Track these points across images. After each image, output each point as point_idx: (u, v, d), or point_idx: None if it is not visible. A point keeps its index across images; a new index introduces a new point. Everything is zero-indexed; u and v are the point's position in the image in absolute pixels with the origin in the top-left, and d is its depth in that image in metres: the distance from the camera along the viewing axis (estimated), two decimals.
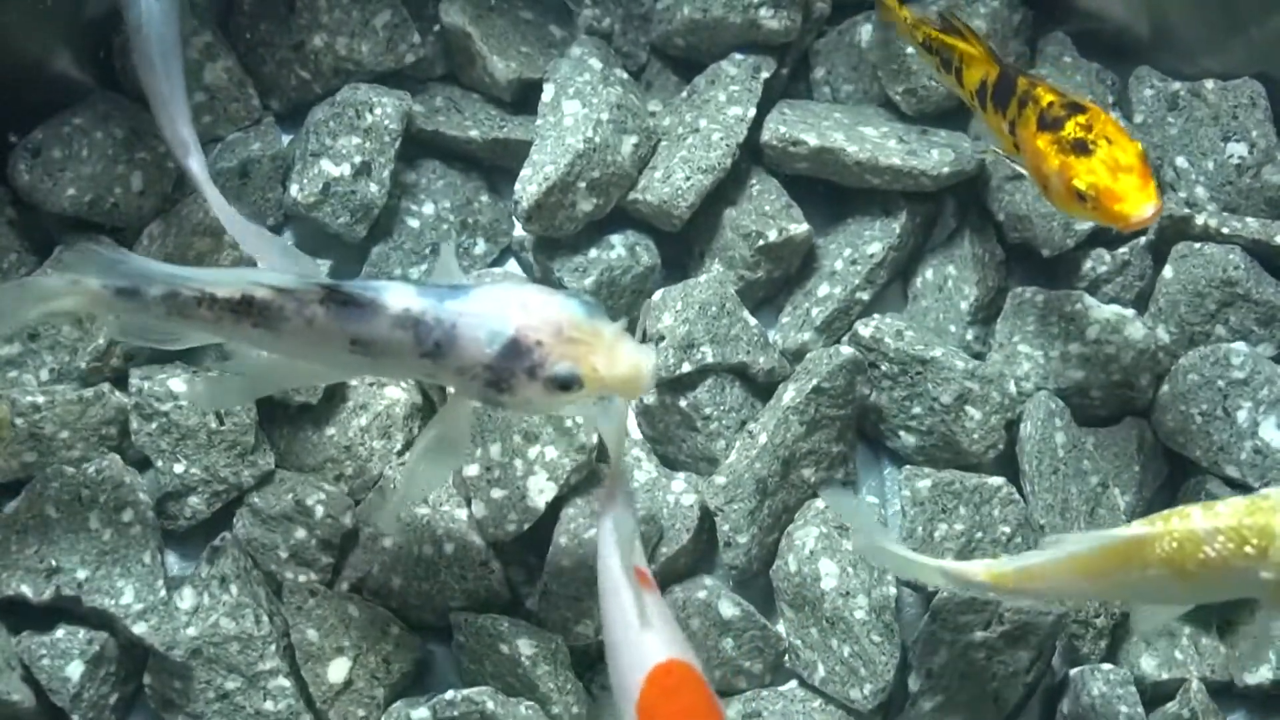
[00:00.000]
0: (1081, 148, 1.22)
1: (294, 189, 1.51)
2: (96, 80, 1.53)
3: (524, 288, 1.13)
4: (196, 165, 1.37)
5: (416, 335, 1.14)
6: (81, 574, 1.35)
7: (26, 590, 1.36)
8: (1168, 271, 1.46)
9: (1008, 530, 1.40)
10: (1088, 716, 1.33)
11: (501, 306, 1.12)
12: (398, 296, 1.14)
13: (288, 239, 1.56)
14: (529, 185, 1.46)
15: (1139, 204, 1.19)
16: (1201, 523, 1.11)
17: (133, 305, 1.19)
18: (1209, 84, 1.51)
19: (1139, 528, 1.13)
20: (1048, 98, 1.27)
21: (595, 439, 1.39)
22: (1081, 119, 1.24)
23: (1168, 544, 1.12)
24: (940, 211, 1.54)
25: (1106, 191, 1.20)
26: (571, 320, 1.11)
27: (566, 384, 1.11)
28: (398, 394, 1.44)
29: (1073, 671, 1.36)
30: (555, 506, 1.39)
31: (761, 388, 1.46)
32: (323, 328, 1.16)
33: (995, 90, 1.33)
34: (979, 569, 1.20)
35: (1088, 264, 1.49)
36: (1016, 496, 1.41)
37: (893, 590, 1.38)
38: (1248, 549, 1.09)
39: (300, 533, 1.40)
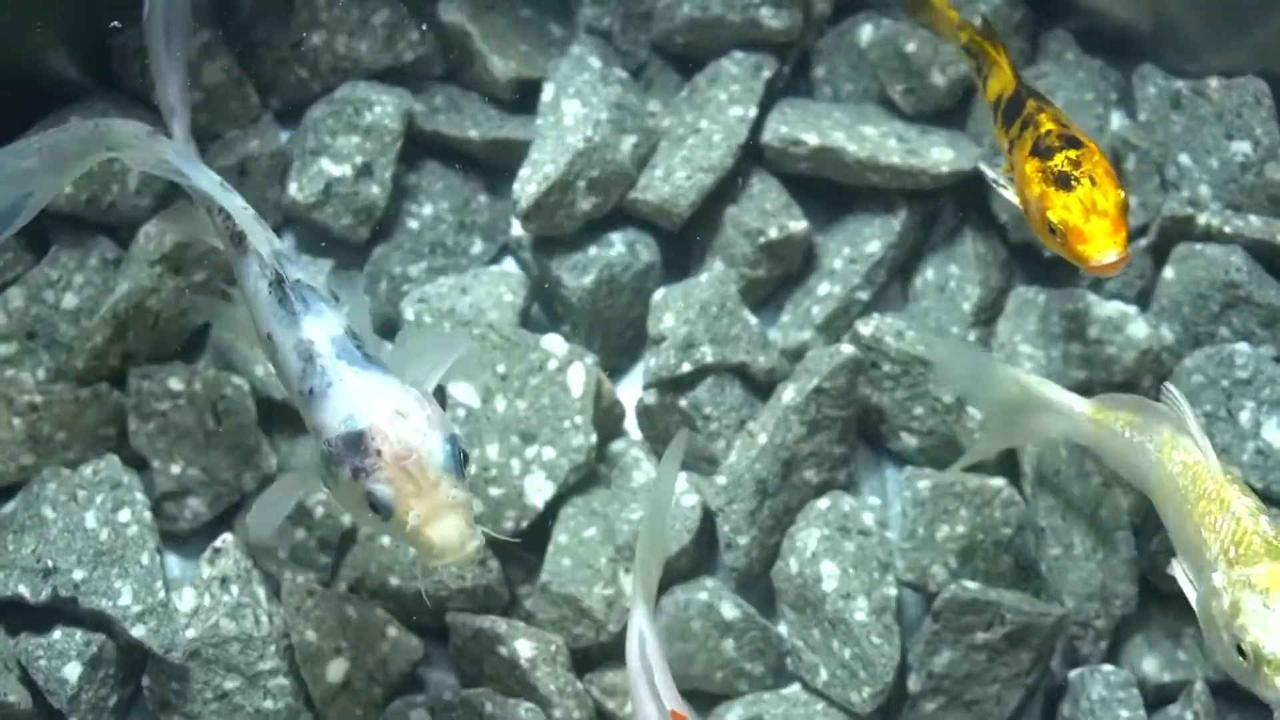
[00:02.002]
0: (1064, 182, 1.21)
1: (293, 188, 1.51)
2: (96, 80, 1.53)
3: (427, 400, 1.11)
4: (179, 130, 1.37)
5: (303, 371, 1.12)
6: (79, 575, 1.35)
7: (24, 590, 1.36)
8: (1168, 273, 1.45)
9: (1009, 531, 1.39)
10: (1088, 719, 1.33)
11: (381, 398, 1.09)
12: (317, 326, 1.13)
13: (288, 241, 1.56)
14: (528, 185, 1.45)
15: (1101, 249, 1.19)
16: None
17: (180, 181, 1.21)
18: (1212, 82, 1.51)
19: None
20: (1048, 125, 1.27)
21: (594, 439, 1.39)
22: (1073, 154, 1.23)
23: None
24: (940, 210, 1.54)
25: (1075, 230, 1.20)
26: (424, 456, 1.07)
27: (376, 507, 1.07)
28: None
29: (1073, 673, 1.36)
30: (554, 505, 1.39)
31: (761, 387, 1.46)
32: (257, 304, 1.18)
33: (1006, 107, 1.33)
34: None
35: None
36: (1018, 498, 1.40)
37: (893, 591, 1.38)
38: None
39: (300, 533, 1.40)
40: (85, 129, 1.25)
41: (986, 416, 1.39)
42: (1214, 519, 1.15)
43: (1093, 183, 1.21)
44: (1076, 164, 1.22)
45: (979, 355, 1.38)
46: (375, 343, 1.24)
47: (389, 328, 1.50)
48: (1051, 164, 1.23)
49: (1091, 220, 1.20)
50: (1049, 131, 1.26)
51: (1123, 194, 1.21)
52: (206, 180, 1.21)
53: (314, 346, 1.13)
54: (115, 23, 1.48)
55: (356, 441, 1.08)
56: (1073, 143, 1.24)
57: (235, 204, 1.20)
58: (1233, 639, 1.09)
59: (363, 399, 1.09)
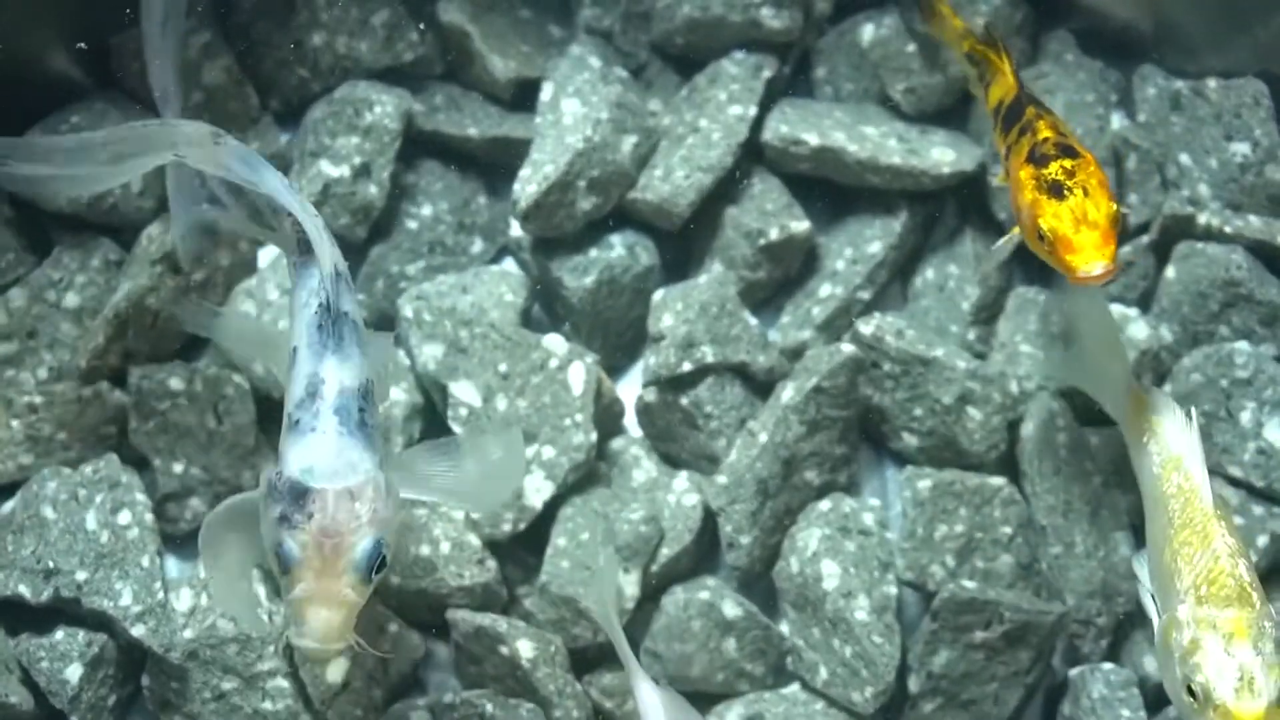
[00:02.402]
0: (1056, 190, 1.21)
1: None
2: (96, 80, 1.53)
3: (387, 495, 1.10)
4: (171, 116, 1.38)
5: (300, 401, 1.13)
6: (80, 575, 1.35)
7: (24, 591, 1.36)
8: (1170, 272, 1.46)
9: (1009, 531, 1.39)
10: (1089, 718, 1.33)
11: (344, 471, 1.09)
12: (336, 369, 1.13)
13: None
14: (528, 185, 1.45)
15: (1088, 260, 1.19)
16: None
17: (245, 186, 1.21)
18: (1212, 83, 1.51)
19: None
20: (1045, 133, 1.27)
21: (594, 437, 1.39)
22: (1068, 163, 1.23)
23: None
24: (941, 211, 1.54)
25: (1063, 239, 1.20)
26: (343, 545, 1.07)
27: (280, 560, 1.08)
28: (398, 394, 1.44)
29: (1073, 672, 1.36)
30: (553, 506, 1.39)
31: (762, 386, 1.46)
32: (299, 317, 1.18)
33: (1007, 113, 1.33)
34: None
35: None
36: (1018, 497, 1.40)
37: (893, 590, 1.38)
38: None
39: None
40: (152, 127, 1.25)
41: (1076, 345, 1.38)
42: (1192, 551, 1.16)
43: (1085, 193, 1.21)
44: (1070, 173, 1.22)
45: (1099, 299, 1.36)
46: (385, 393, 1.25)
47: (385, 325, 1.50)
48: (1045, 172, 1.23)
49: (1081, 231, 1.20)
50: (1046, 139, 1.26)
51: (1115, 206, 1.21)
52: (275, 184, 1.20)
53: (322, 387, 1.12)
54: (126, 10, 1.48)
55: (299, 495, 1.08)
56: (1069, 152, 1.24)
57: (306, 212, 1.19)
58: (1185, 676, 1.10)
59: (327, 462, 1.09)
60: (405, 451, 1.30)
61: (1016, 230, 1.31)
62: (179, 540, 1.43)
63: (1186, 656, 1.11)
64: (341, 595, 1.07)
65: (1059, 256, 1.20)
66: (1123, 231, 1.47)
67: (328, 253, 1.17)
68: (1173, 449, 1.22)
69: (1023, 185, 1.24)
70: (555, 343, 1.41)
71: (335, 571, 1.07)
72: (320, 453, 1.10)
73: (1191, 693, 1.10)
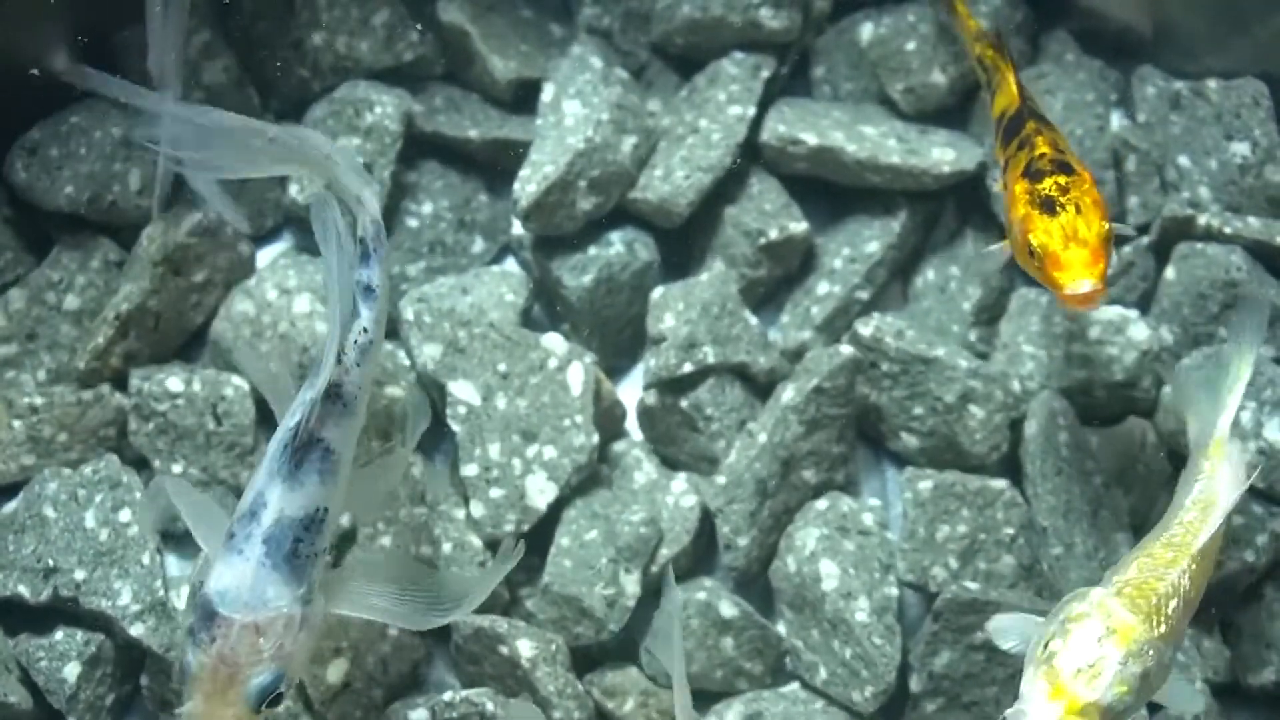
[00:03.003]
0: (1049, 206, 1.20)
1: (293, 189, 1.51)
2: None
3: (301, 630, 1.12)
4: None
5: (243, 512, 1.14)
6: (79, 574, 1.35)
7: (24, 590, 1.36)
8: (1169, 272, 1.46)
9: (1010, 532, 1.39)
10: None
11: (255, 604, 1.10)
12: (281, 495, 1.14)
13: (286, 240, 1.56)
14: (528, 185, 1.45)
15: (1075, 278, 1.17)
16: None
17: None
18: (1211, 83, 1.51)
19: None
20: (1043, 149, 1.26)
21: (595, 438, 1.39)
22: (1062, 180, 1.22)
23: None
24: (941, 211, 1.54)
25: (1052, 256, 1.18)
26: (238, 677, 1.09)
27: (180, 669, 1.11)
28: (398, 393, 1.44)
29: None
30: (556, 507, 1.39)
31: (762, 387, 1.46)
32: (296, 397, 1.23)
33: (1008, 125, 1.32)
34: None
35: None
36: (1020, 499, 1.40)
37: (894, 591, 1.38)
38: None
39: None
40: (322, 147, 1.30)
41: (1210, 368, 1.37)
42: (1152, 562, 1.16)
43: (1078, 210, 1.20)
44: (1065, 190, 1.21)
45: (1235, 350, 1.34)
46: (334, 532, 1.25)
47: (388, 327, 1.50)
48: (1040, 187, 1.22)
49: (1070, 248, 1.18)
50: (1043, 155, 1.25)
51: (1108, 226, 1.20)
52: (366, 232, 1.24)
53: (263, 512, 1.13)
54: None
55: (208, 615, 1.10)
56: (1065, 168, 1.23)
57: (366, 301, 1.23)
58: (1051, 633, 1.10)
59: (241, 592, 1.11)
60: (349, 566, 1.30)
61: (1007, 242, 1.31)
62: (178, 539, 1.43)
63: (1066, 621, 1.10)
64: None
65: (1047, 273, 1.19)
66: (1119, 243, 1.48)
67: (328, 367, 1.18)
68: (1213, 493, 1.22)
69: (1016, 199, 1.23)
70: (554, 342, 1.41)
71: (226, 699, 1.10)
72: (237, 580, 1.11)
73: (1045, 650, 1.09)
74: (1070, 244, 1.18)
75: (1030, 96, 1.34)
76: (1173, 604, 1.14)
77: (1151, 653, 1.10)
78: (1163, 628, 1.12)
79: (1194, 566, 1.17)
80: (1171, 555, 1.17)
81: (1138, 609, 1.12)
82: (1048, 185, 1.22)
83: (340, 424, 1.19)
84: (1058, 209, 1.20)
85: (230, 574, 1.12)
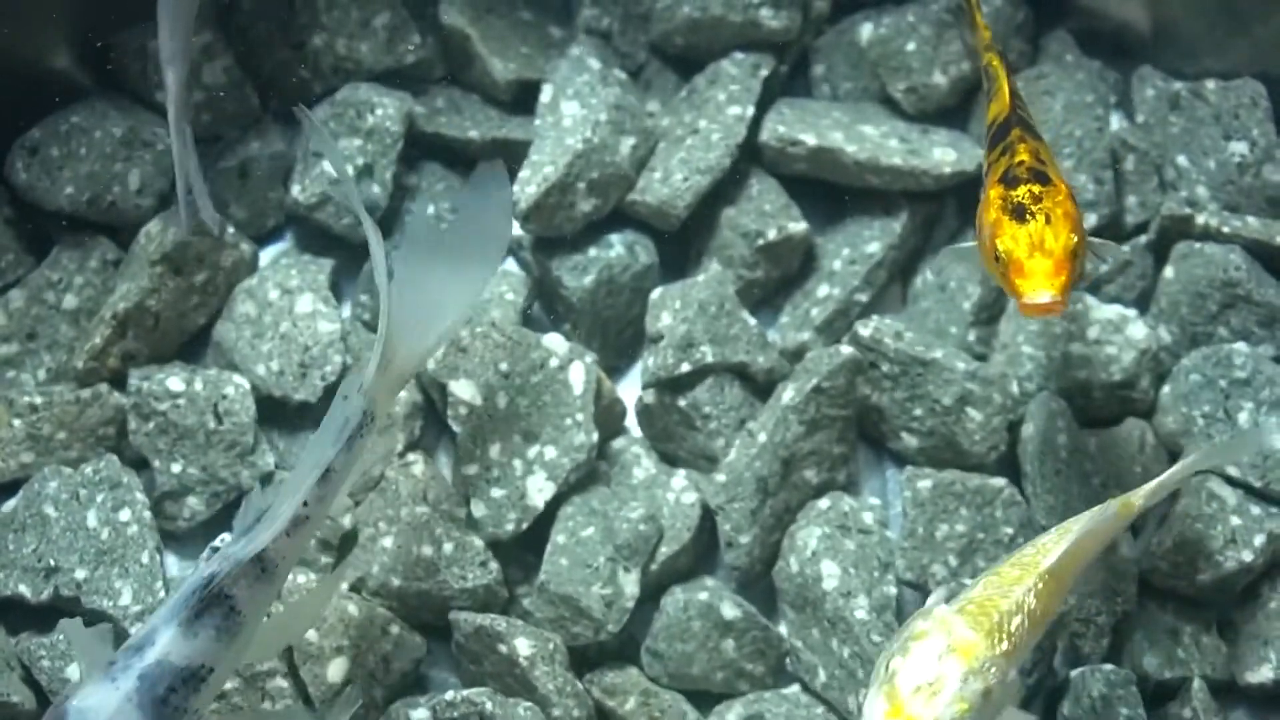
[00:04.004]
0: (1019, 214, 1.20)
1: (295, 189, 1.51)
2: (96, 80, 1.53)
3: None
4: (172, 78, 1.38)
5: (132, 642, 1.12)
6: (80, 574, 1.35)
7: (25, 590, 1.36)
8: (1169, 272, 1.46)
9: (1010, 531, 1.40)
10: (1089, 717, 1.33)
11: None
12: (162, 648, 1.11)
13: (288, 240, 1.56)
14: (528, 186, 1.46)
15: (1036, 287, 1.17)
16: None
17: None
18: (1210, 84, 1.51)
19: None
20: (1023, 156, 1.25)
21: (595, 437, 1.39)
22: (1036, 189, 1.21)
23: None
24: (942, 211, 1.54)
25: (1016, 263, 1.18)
26: None
27: None
28: (401, 394, 1.44)
29: (1074, 672, 1.36)
30: (553, 505, 1.39)
31: (761, 387, 1.46)
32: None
33: (996, 131, 1.32)
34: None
35: (1090, 263, 1.48)
36: (1019, 498, 1.41)
37: (893, 590, 1.38)
38: None
39: None
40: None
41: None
42: (998, 579, 1.17)
43: (1047, 221, 1.19)
44: (1037, 199, 1.20)
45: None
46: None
47: None
48: (1013, 194, 1.21)
49: (1035, 257, 1.18)
50: (1021, 162, 1.25)
51: (1075, 239, 1.19)
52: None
53: (149, 649, 1.11)
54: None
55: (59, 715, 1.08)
56: (1041, 178, 1.23)
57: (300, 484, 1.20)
58: (897, 648, 1.11)
59: (100, 717, 1.08)
60: None
61: (966, 245, 1.31)
62: (178, 538, 1.43)
63: (908, 639, 1.11)
64: None
65: (1009, 279, 1.19)
66: (1114, 237, 1.48)
67: (267, 532, 1.16)
68: (1076, 521, 1.22)
69: (989, 204, 1.23)
70: (555, 342, 1.41)
71: None
72: (99, 705, 1.08)
73: (888, 669, 1.10)
74: (1035, 253, 1.18)
75: (1022, 105, 1.33)
76: (1016, 621, 1.13)
77: (993, 670, 1.09)
78: (1005, 645, 1.12)
79: (1041, 586, 1.16)
80: (1018, 574, 1.17)
81: (979, 626, 1.11)
82: (1021, 193, 1.21)
83: (254, 588, 1.15)
84: (1027, 217, 1.19)
85: (96, 697, 1.08)
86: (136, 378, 1.42)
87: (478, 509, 1.38)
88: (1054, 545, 1.18)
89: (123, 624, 1.33)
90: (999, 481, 1.40)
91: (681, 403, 1.44)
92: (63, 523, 1.36)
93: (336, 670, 1.35)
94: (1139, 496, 1.25)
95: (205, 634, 1.12)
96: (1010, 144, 1.27)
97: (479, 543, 1.38)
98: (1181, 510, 1.40)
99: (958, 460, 1.42)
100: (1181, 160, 1.51)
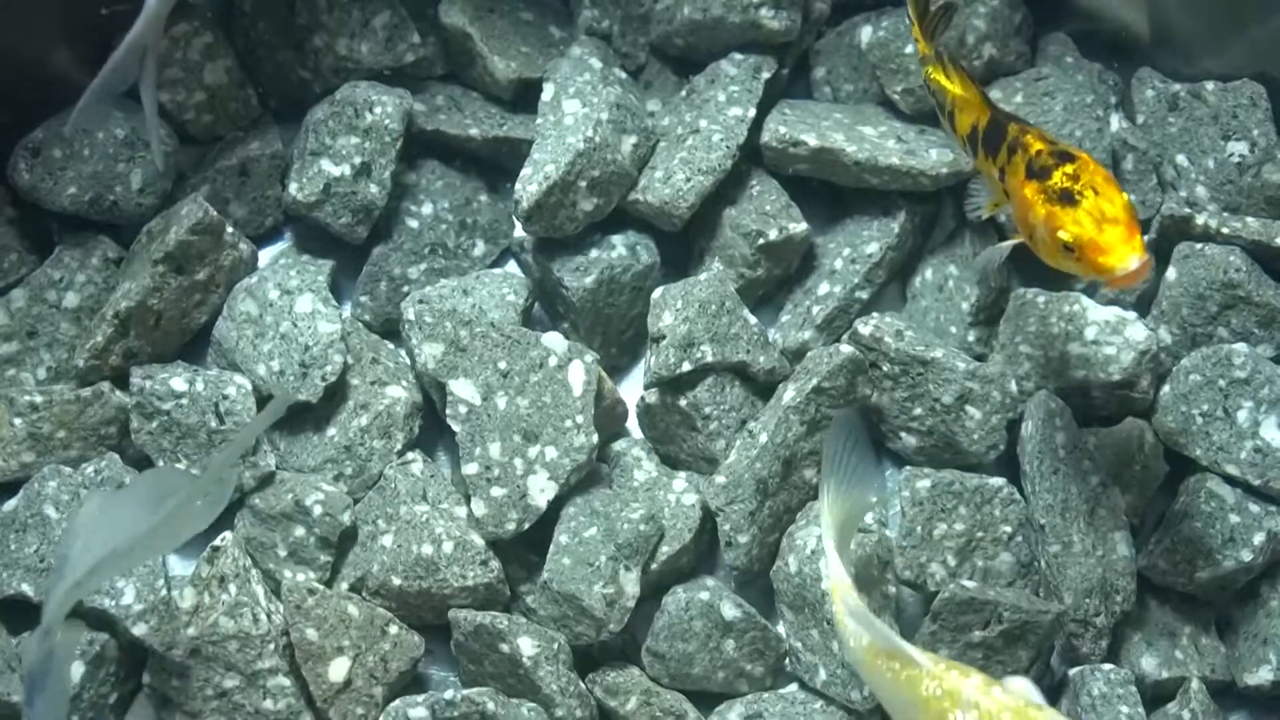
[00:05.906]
0: (1068, 198, 1.18)
1: (293, 188, 1.51)
2: None
3: None
4: (151, 66, 1.38)
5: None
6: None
7: (27, 589, 1.36)
8: (1170, 273, 1.46)
9: (1009, 530, 1.40)
10: (1088, 716, 1.33)
11: None
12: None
13: (287, 239, 1.56)
14: (529, 185, 1.46)
15: (1124, 256, 1.15)
16: (971, 694, 1.07)
17: None
18: (1209, 85, 1.52)
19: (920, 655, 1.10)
20: (1036, 145, 1.23)
21: (595, 438, 1.39)
22: (1069, 168, 1.19)
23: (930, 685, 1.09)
24: (940, 212, 1.54)
25: (1091, 243, 1.16)
26: None
27: None
28: (399, 393, 1.44)
29: (1072, 671, 1.36)
30: (555, 505, 1.39)
31: (762, 387, 1.46)
32: None
33: (986, 136, 1.29)
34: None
35: None
36: (1017, 496, 1.41)
37: (892, 590, 1.38)
38: None
39: (299, 531, 1.40)
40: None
41: None
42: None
43: (1096, 192, 1.17)
44: (1075, 178, 1.19)
45: None
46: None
47: (389, 328, 1.50)
48: (1051, 183, 1.19)
49: (1106, 230, 1.16)
50: (1040, 151, 1.22)
51: (1126, 195, 1.17)
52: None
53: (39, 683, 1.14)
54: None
55: None
56: (1066, 157, 1.21)
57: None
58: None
59: None
60: None
61: (1006, 244, 1.30)
62: None
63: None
64: None
65: (1091, 262, 1.16)
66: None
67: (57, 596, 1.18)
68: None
69: (1030, 203, 1.20)
70: (554, 340, 1.42)
71: None
72: None
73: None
74: (1104, 225, 1.16)
75: (995, 103, 1.31)
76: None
77: None
78: None
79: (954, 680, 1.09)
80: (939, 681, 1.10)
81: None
82: (1058, 178, 1.19)
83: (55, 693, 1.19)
84: (1077, 197, 1.17)
85: None
86: (139, 377, 1.42)
87: (478, 508, 1.38)
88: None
89: (124, 623, 1.33)
90: (997, 481, 1.41)
91: (682, 403, 1.44)
92: (64, 523, 1.37)
93: (338, 669, 1.36)
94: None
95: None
96: (1015, 140, 1.26)
97: (480, 541, 1.38)
98: (1180, 508, 1.40)
99: (957, 459, 1.43)
100: (1181, 160, 1.51)
